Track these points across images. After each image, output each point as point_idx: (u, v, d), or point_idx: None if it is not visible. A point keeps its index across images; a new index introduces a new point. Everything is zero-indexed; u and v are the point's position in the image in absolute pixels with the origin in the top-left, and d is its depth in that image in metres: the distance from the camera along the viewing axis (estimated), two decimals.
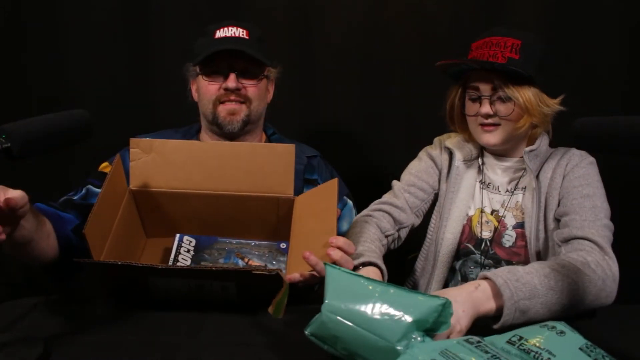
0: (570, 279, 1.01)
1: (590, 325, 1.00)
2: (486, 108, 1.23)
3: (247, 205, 1.21)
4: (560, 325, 0.82)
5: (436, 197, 1.38)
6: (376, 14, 1.84)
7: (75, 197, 1.30)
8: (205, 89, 1.39)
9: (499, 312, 0.96)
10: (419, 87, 1.82)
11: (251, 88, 1.38)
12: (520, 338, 0.81)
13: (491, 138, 1.25)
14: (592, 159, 1.27)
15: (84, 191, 1.31)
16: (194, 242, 1.24)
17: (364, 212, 1.33)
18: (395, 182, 1.38)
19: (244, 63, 1.36)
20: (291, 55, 1.86)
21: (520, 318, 0.96)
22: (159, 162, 1.20)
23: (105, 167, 1.37)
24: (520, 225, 1.29)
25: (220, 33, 1.37)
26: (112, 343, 0.95)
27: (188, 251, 1.22)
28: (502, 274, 0.99)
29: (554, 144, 1.32)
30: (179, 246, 1.22)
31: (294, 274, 1.06)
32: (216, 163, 1.20)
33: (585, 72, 1.78)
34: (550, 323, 0.83)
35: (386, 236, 1.29)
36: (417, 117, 1.85)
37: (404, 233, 1.35)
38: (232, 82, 1.35)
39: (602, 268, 1.05)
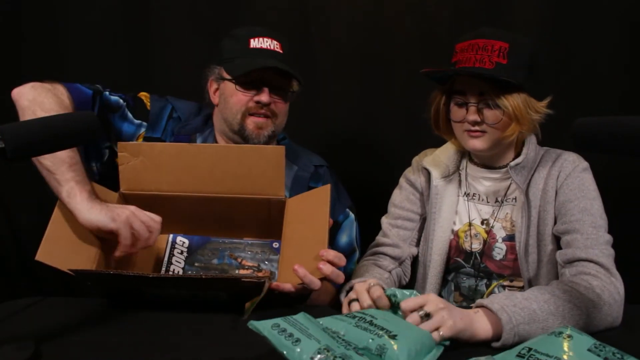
0: (572, 304, 0.98)
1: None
2: (473, 115, 1.19)
3: (238, 207, 1.21)
4: (567, 330, 0.82)
5: (425, 220, 1.36)
6: (376, 13, 1.83)
7: (109, 97, 1.37)
8: (237, 99, 1.36)
9: (496, 338, 0.94)
10: (419, 87, 1.81)
11: (280, 104, 1.37)
12: (529, 350, 0.80)
13: (477, 143, 1.21)
14: (585, 165, 1.23)
15: (120, 101, 1.38)
16: (187, 242, 1.24)
17: (362, 259, 1.34)
18: (383, 220, 1.38)
19: (278, 79, 1.35)
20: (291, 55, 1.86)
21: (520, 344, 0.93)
22: (147, 165, 1.20)
23: (145, 96, 1.42)
24: (510, 238, 1.27)
25: (255, 43, 1.35)
26: (111, 344, 0.95)
27: (182, 253, 1.22)
28: (498, 300, 0.97)
29: (543, 142, 1.31)
30: (172, 248, 1.22)
31: (286, 285, 1.07)
32: (205, 166, 1.20)
33: (585, 72, 1.78)
34: (557, 329, 0.83)
35: (389, 271, 1.29)
36: (417, 118, 1.83)
37: (406, 266, 1.35)
38: (265, 96, 1.34)
39: (608, 292, 1.02)
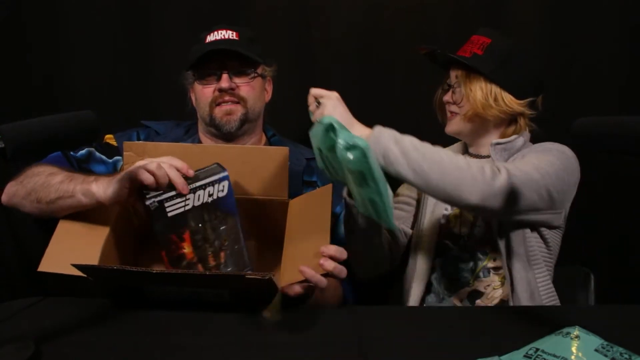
0: (439, 155, 1.08)
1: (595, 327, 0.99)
2: (447, 96, 1.35)
3: (241, 208, 1.20)
4: (575, 330, 0.82)
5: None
6: (376, 13, 1.84)
7: (75, 154, 1.32)
8: (201, 93, 1.40)
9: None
10: (419, 87, 1.82)
11: (245, 87, 1.39)
12: (537, 350, 0.81)
13: (448, 126, 1.36)
14: (564, 149, 1.25)
15: (85, 151, 1.34)
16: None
17: None
18: None
19: (235, 63, 1.37)
20: (290, 56, 1.86)
21: (380, 156, 1.06)
22: None
23: (109, 138, 1.40)
24: None
25: (210, 37, 1.39)
26: (111, 344, 0.94)
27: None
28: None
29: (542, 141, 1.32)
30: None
31: (295, 288, 1.06)
32: None
33: (585, 72, 1.78)
34: (565, 329, 0.83)
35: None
36: (417, 117, 1.85)
37: (402, 242, 1.39)
38: (225, 82, 1.36)
39: (482, 171, 1.08)
